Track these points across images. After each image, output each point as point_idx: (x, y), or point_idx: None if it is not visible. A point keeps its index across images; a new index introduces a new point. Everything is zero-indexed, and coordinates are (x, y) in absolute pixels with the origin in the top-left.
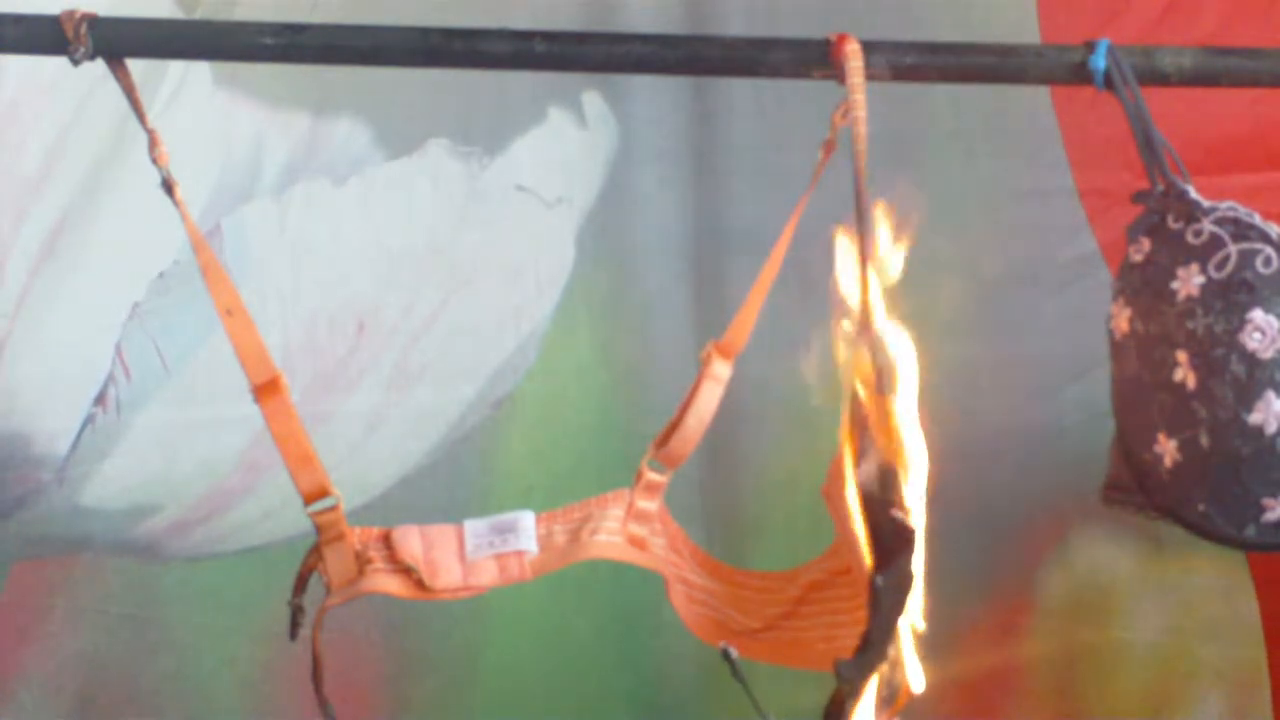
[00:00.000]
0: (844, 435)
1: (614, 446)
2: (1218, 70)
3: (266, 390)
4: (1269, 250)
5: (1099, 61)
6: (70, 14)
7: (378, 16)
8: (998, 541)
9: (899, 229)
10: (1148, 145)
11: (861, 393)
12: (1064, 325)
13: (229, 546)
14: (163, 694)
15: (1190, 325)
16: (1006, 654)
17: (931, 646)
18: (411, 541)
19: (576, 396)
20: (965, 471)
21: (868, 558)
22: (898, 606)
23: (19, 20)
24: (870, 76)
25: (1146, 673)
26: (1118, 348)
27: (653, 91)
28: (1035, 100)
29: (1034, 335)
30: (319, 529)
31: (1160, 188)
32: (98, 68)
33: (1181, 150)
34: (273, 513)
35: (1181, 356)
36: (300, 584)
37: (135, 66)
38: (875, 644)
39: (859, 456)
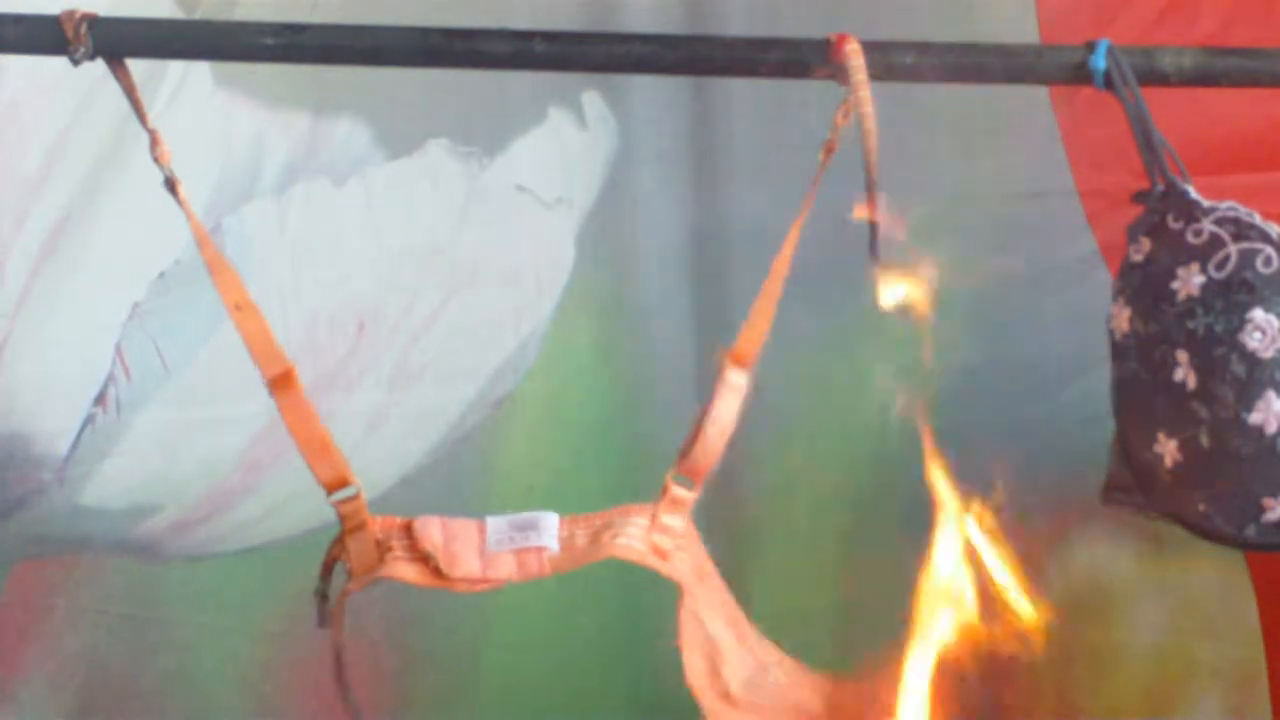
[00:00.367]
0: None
1: (614, 446)
2: (1218, 70)
3: (280, 383)
4: (1269, 250)
5: (1099, 61)
6: (70, 14)
7: (378, 16)
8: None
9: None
10: (1148, 145)
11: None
12: (1064, 325)
13: (229, 546)
14: (163, 694)
15: (1190, 325)
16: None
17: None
18: (432, 531)
19: (576, 396)
20: (965, 471)
21: None
22: None
23: (19, 20)
24: (869, 76)
25: (1145, 672)
26: (1118, 348)
27: (653, 91)
28: (1035, 100)
29: (1034, 335)
30: (341, 518)
31: (1160, 188)
32: (98, 68)
33: (1181, 150)
34: (273, 512)
35: (1181, 356)
36: (326, 572)
37: (135, 67)
38: None
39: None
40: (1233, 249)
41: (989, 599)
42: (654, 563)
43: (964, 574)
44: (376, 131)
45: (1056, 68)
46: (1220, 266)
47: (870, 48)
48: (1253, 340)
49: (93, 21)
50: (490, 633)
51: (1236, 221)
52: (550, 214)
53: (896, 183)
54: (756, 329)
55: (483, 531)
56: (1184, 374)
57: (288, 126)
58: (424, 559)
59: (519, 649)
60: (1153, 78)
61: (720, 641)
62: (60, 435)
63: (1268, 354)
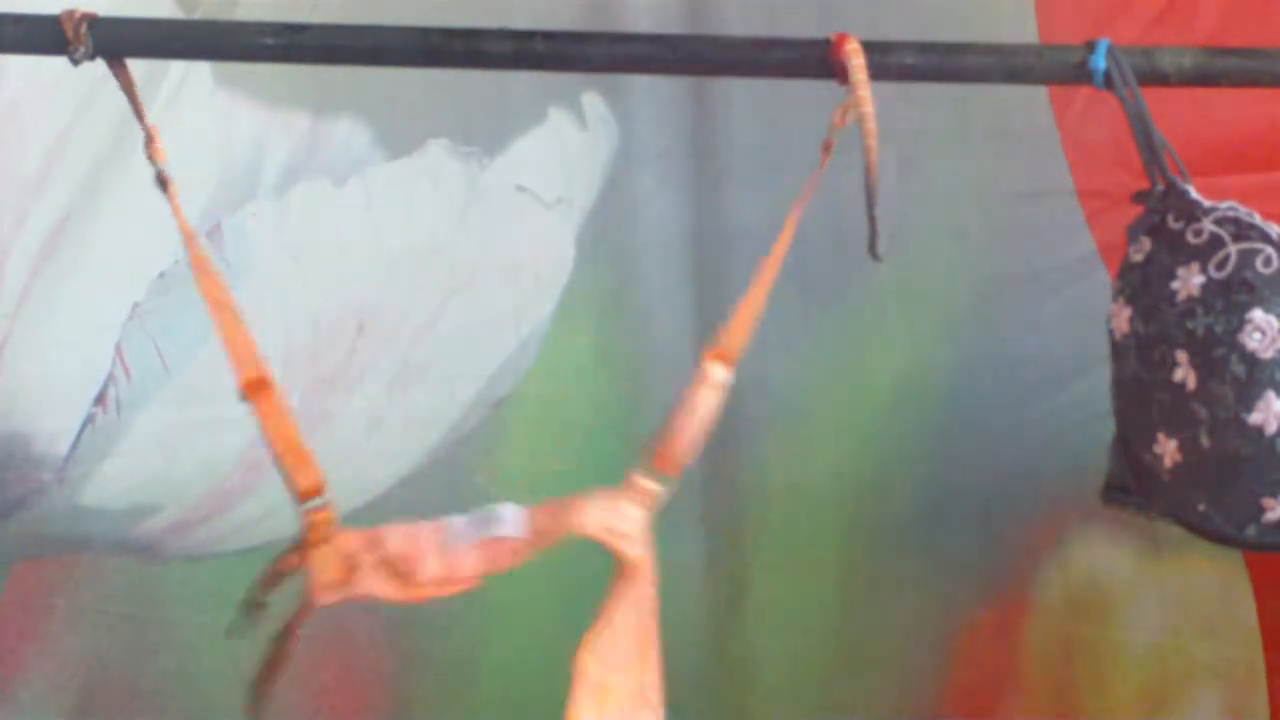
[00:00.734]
0: None
1: (614, 446)
2: (1217, 70)
3: (254, 387)
4: (1269, 250)
5: (1099, 61)
6: (70, 14)
7: (378, 16)
8: (996, 540)
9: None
10: (1148, 145)
11: None
12: (1064, 325)
13: (229, 546)
14: (163, 693)
15: (1190, 325)
16: (1004, 653)
17: (930, 645)
18: (394, 539)
19: (576, 397)
20: (964, 471)
21: None
22: None
23: (19, 20)
24: (870, 76)
25: (1143, 672)
26: (1118, 348)
27: (653, 91)
28: (1034, 100)
29: (1034, 335)
30: (308, 528)
31: (1160, 188)
32: (98, 68)
33: (1181, 150)
34: (273, 512)
35: (1181, 356)
36: (269, 582)
37: (136, 67)
38: None
39: None
40: (1233, 249)
41: None
42: (610, 540)
43: None
44: (376, 131)
45: (1056, 68)
46: (1220, 266)
47: (870, 48)
48: (1253, 340)
49: (93, 21)
50: (489, 633)
51: (1236, 221)
52: (550, 214)
53: (896, 183)
54: (742, 324)
55: (442, 531)
56: (1184, 374)
57: (288, 126)
58: (391, 567)
59: (518, 649)
60: (1153, 78)
61: (619, 651)
62: (60, 435)
63: (1268, 354)
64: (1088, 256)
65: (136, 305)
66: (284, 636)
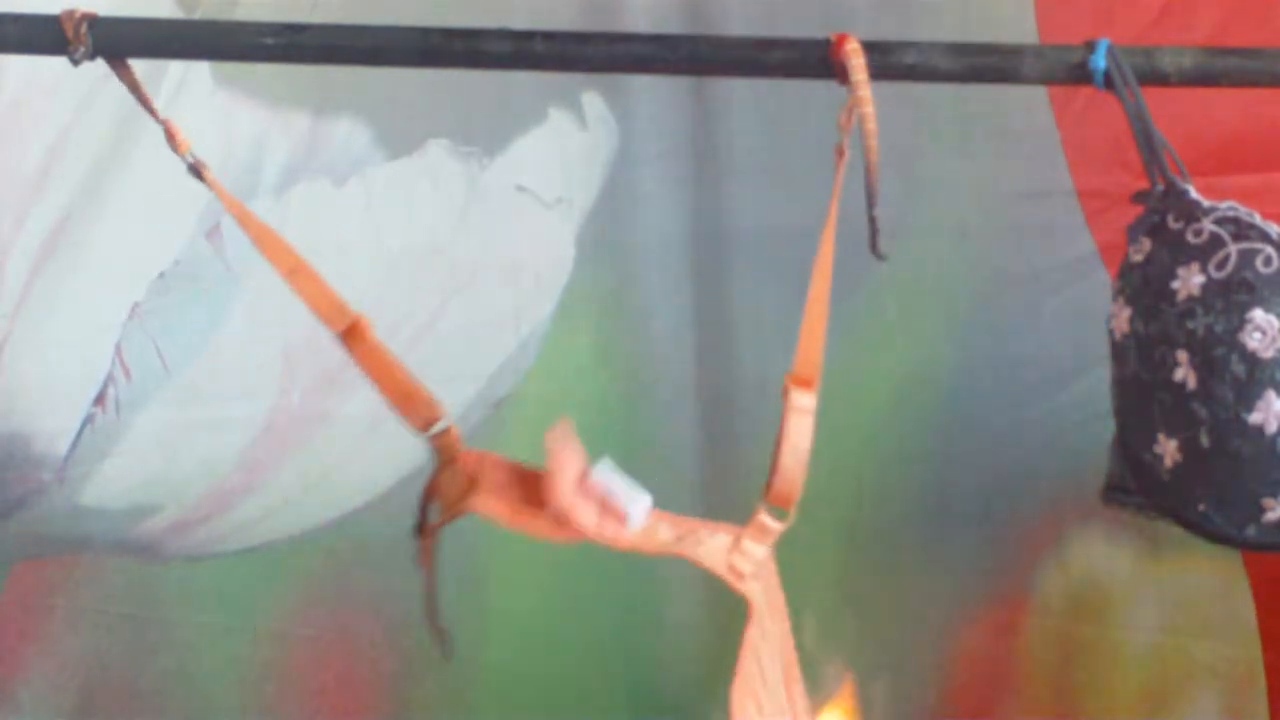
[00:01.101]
0: None
1: (614, 446)
2: (1217, 70)
3: (350, 335)
4: (1269, 250)
5: (1099, 61)
6: (70, 14)
7: (378, 16)
8: (996, 540)
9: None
10: (1148, 145)
11: None
12: (1064, 325)
13: (229, 546)
14: (163, 694)
15: (1190, 325)
16: (1003, 652)
17: (929, 645)
18: (525, 467)
19: (577, 397)
20: (964, 471)
21: None
22: None
23: (18, 20)
24: (870, 76)
25: (1143, 672)
26: (1118, 348)
27: (653, 91)
28: (1034, 100)
29: (1034, 335)
30: (435, 453)
31: (1160, 188)
32: (98, 68)
33: (1181, 150)
34: (273, 512)
35: (1181, 356)
36: (421, 511)
37: (136, 67)
38: None
39: None
40: (1233, 249)
41: None
42: (729, 578)
43: None
44: (376, 131)
45: (1056, 68)
46: (1220, 266)
47: (870, 48)
48: (1253, 340)
49: (93, 21)
50: (488, 634)
51: (1236, 221)
52: (550, 214)
53: (896, 182)
54: (811, 346)
55: (588, 469)
56: (1184, 374)
57: (288, 126)
58: (510, 489)
59: (519, 649)
60: (1153, 78)
61: (770, 689)
62: (60, 435)
63: (1268, 354)
64: (1088, 256)
65: (136, 305)
66: (423, 559)
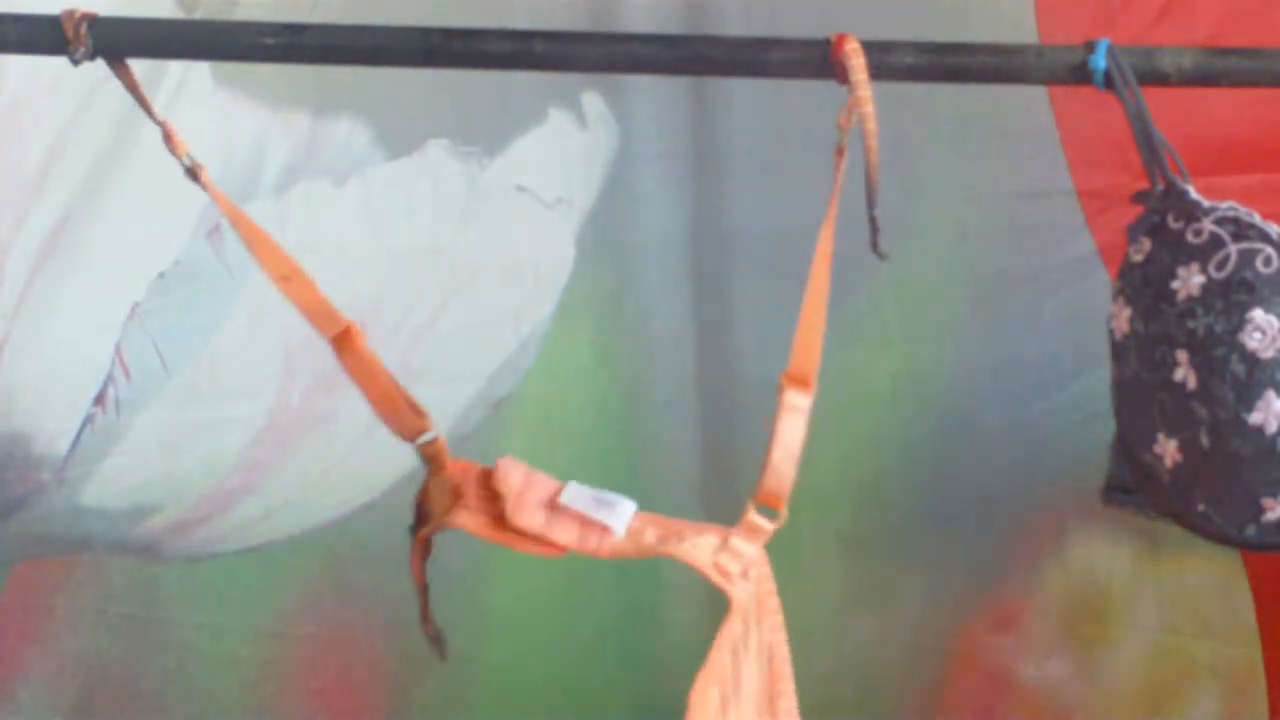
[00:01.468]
0: None
1: (614, 446)
2: (1218, 70)
3: (341, 342)
4: (1269, 250)
5: (1099, 61)
6: (70, 14)
7: (378, 16)
8: (996, 540)
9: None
10: (1148, 145)
11: None
12: (1064, 325)
13: (229, 546)
14: (163, 694)
15: (1190, 325)
16: (1004, 653)
17: (929, 644)
18: (513, 476)
19: (577, 396)
20: (964, 470)
21: None
22: None
23: (18, 20)
24: (870, 76)
25: (1142, 671)
26: (1118, 348)
27: (653, 91)
28: (1034, 100)
29: (1033, 335)
30: (425, 462)
31: (1160, 188)
32: (98, 68)
33: (1181, 150)
34: (273, 512)
35: (1181, 356)
36: (416, 516)
37: (135, 67)
38: None
39: None
40: (1233, 249)
41: None
42: (714, 576)
43: None
44: (376, 131)
45: (1056, 68)
46: (1220, 266)
47: (870, 48)
48: (1253, 340)
49: (93, 21)
50: (490, 633)
51: (1236, 221)
52: (550, 214)
53: (896, 182)
54: (808, 345)
55: (559, 490)
56: (1184, 374)
57: (288, 126)
58: (493, 502)
59: (519, 649)
60: (1153, 78)
61: (741, 694)
62: (60, 435)
63: (1268, 354)
64: (1088, 256)
65: (136, 305)
66: (415, 572)
